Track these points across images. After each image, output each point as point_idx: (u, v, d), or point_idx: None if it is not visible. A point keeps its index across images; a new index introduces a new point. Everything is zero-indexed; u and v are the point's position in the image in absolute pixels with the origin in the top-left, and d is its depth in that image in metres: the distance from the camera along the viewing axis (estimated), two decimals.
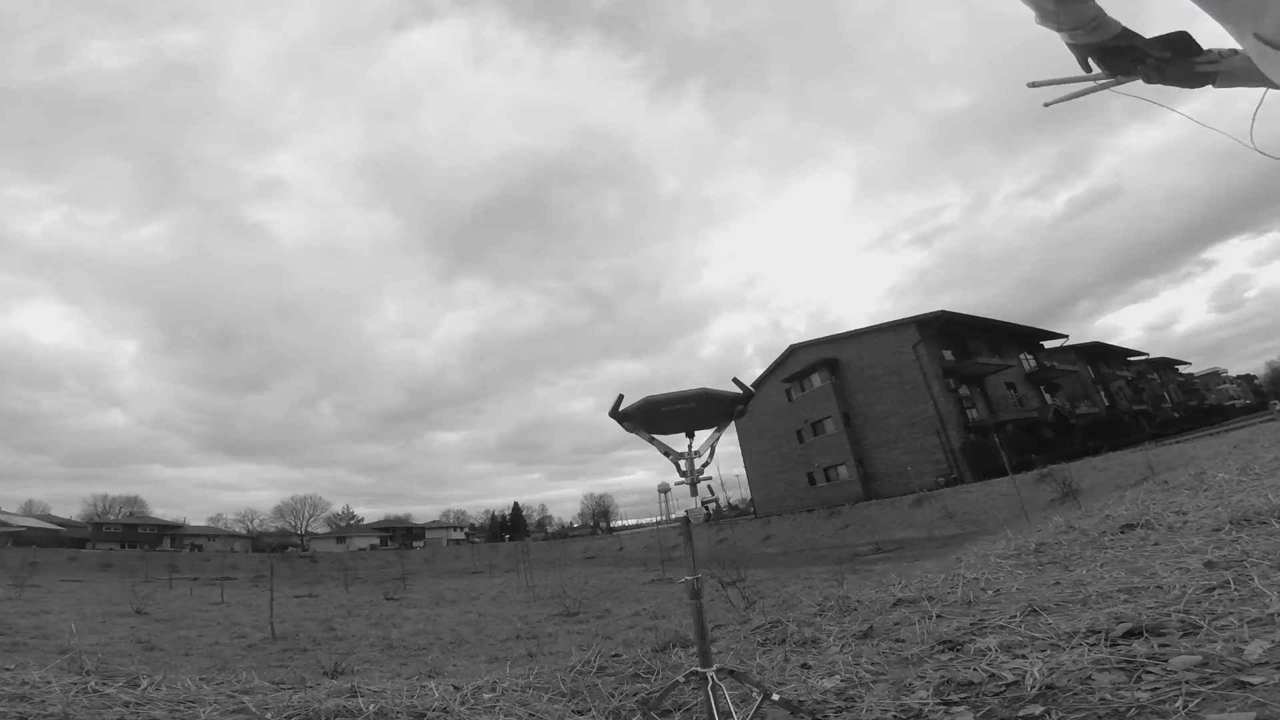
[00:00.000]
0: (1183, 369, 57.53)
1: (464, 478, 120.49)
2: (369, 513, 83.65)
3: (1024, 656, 1.83)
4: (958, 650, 2.02)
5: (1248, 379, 77.76)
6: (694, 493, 1.72)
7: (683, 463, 1.75)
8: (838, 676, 1.98)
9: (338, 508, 78.78)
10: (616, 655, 2.70)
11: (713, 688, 1.54)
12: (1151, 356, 50.36)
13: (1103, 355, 42.86)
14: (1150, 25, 1.02)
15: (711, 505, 1.72)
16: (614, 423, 1.81)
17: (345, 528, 74.43)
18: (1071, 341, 38.39)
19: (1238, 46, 0.89)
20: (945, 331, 29.31)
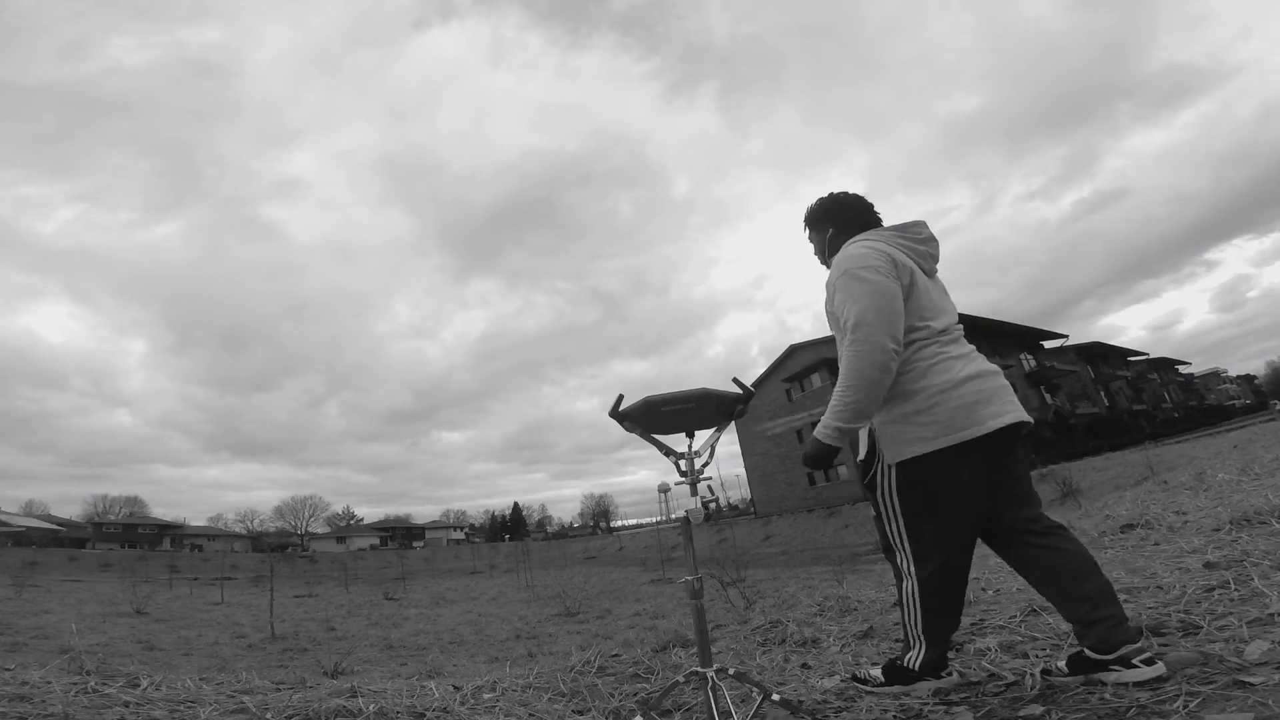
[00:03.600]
0: (1183, 369, 57.49)
1: (467, 477, 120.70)
2: (369, 512, 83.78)
3: (1024, 656, 1.83)
4: (958, 650, 2.02)
5: (1248, 379, 77.70)
6: (694, 493, 1.72)
7: (683, 463, 1.74)
8: (838, 676, 1.98)
9: (338, 508, 78.88)
10: (616, 655, 2.70)
11: (713, 688, 1.54)
12: (1151, 356, 50.34)
13: (1103, 355, 42.84)
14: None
15: (711, 505, 1.72)
16: (618, 423, 1.81)
17: (345, 528, 74.38)
18: (1072, 341, 38.39)
19: None
20: None
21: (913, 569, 1.63)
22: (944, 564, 1.61)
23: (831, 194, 1.94)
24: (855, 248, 1.71)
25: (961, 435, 1.54)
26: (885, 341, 1.54)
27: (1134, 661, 1.44)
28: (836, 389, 1.60)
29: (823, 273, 1.89)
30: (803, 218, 2.00)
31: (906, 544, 1.64)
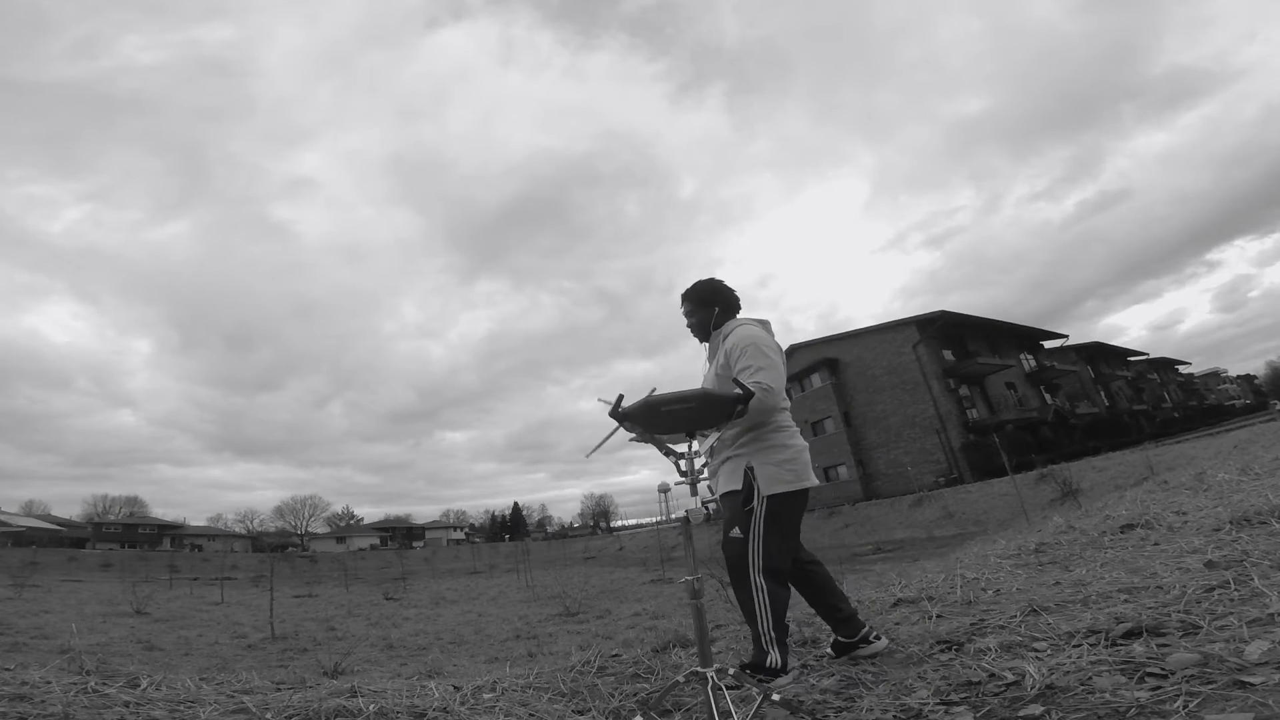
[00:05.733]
0: (1183, 369, 57.47)
1: (469, 477, 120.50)
2: (370, 512, 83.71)
3: (1024, 656, 1.83)
4: (958, 650, 2.02)
5: (1248, 379, 77.78)
6: (694, 493, 1.72)
7: (683, 463, 1.75)
8: (837, 676, 1.98)
9: (338, 508, 78.83)
10: (616, 655, 2.70)
11: (713, 688, 1.54)
12: (1152, 356, 50.30)
13: (1103, 355, 42.82)
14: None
15: (711, 505, 1.72)
16: (618, 423, 1.81)
17: (345, 528, 74.36)
18: (1072, 341, 38.35)
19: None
20: (945, 331, 29.28)
21: (764, 581, 2.07)
22: (785, 573, 2.15)
23: (713, 280, 2.45)
24: (756, 329, 2.29)
25: (804, 484, 2.21)
26: (780, 401, 2.24)
27: (870, 639, 2.19)
28: (754, 405, 2.00)
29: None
30: (686, 294, 2.45)
31: (761, 559, 2.09)
